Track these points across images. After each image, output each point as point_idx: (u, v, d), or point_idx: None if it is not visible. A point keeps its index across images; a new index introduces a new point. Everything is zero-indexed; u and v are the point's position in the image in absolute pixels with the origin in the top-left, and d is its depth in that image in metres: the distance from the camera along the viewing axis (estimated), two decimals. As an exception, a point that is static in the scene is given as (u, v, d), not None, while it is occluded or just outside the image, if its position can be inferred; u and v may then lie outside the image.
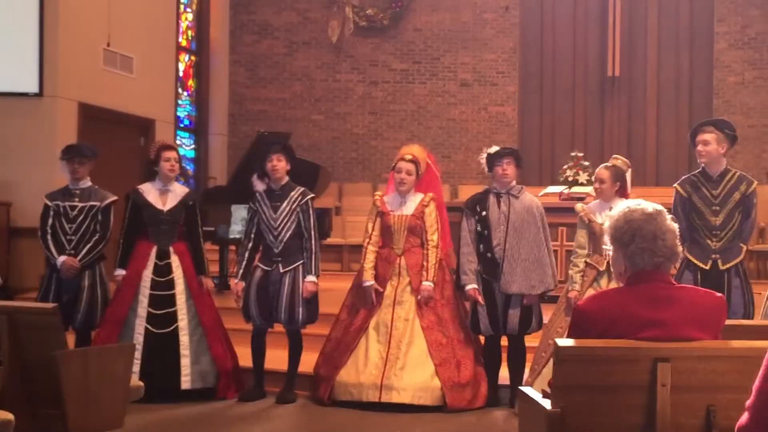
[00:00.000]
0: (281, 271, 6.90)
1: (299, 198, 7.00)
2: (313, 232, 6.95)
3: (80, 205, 7.10)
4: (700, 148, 6.36)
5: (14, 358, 4.41)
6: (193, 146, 15.84)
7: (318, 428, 6.33)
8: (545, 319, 6.86)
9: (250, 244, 7.04)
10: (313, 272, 6.92)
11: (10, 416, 4.01)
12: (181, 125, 15.42)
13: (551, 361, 6.28)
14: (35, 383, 4.47)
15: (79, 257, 7.00)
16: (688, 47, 16.06)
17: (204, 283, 7.13)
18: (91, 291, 7.06)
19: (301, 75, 16.26)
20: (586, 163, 12.40)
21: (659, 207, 3.28)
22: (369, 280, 6.92)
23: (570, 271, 6.66)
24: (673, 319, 3.12)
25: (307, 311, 6.94)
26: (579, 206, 6.83)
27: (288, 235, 6.94)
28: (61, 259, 6.97)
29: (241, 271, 7.01)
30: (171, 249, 7.06)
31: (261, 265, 6.98)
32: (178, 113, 15.16)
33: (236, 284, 7.02)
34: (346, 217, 14.63)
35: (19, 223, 10.74)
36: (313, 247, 6.94)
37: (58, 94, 11.32)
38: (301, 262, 6.94)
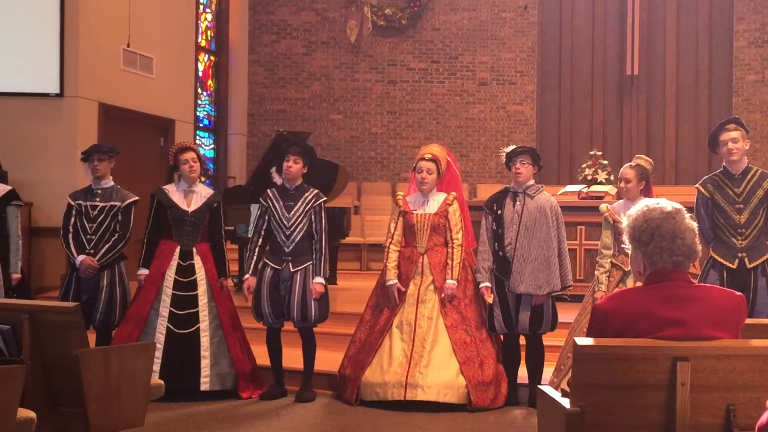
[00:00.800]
0: (291, 270, 6.94)
1: (313, 200, 7.03)
2: (323, 234, 7.00)
3: (101, 204, 7.13)
4: (731, 146, 6.31)
5: (36, 356, 4.44)
6: (212, 146, 15.89)
7: (337, 426, 6.33)
8: (570, 319, 6.84)
9: (260, 241, 7.06)
10: (322, 273, 6.95)
11: (32, 414, 4.04)
12: (201, 125, 15.47)
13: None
14: (56, 381, 4.50)
15: (98, 257, 7.03)
16: (707, 45, 16.00)
17: (224, 286, 7.15)
18: (109, 290, 7.08)
19: (319, 75, 16.29)
20: (605, 162, 12.38)
21: (678, 206, 3.28)
22: (392, 280, 6.93)
23: (596, 272, 6.64)
24: (692, 318, 3.12)
25: (319, 309, 6.98)
26: (604, 206, 6.80)
27: (300, 235, 6.97)
28: (80, 258, 7.01)
29: (252, 266, 7.03)
30: (194, 250, 7.09)
31: (270, 263, 7.01)
32: (198, 113, 15.21)
33: (247, 279, 7.02)
34: (365, 217, 14.65)
35: (40, 223, 10.81)
36: (323, 248, 6.98)
37: (78, 95, 11.38)
38: (311, 262, 6.98)
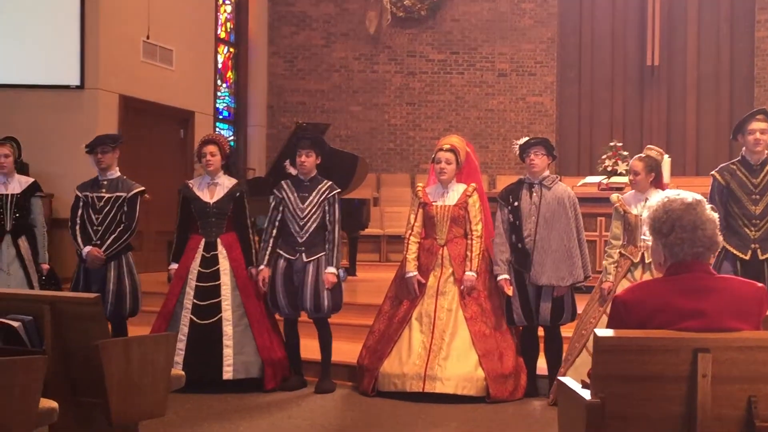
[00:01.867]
0: (305, 260, 6.96)
1: (327, 191, 7.06)
2: (336, 225, 7.02)
3: (107, 195, 7.12)
4: (759, 136, 6.27)
5: (57, 347, 4.46)
6: (232, 138, 15.92)
7: (356, 417, 6.35)
8: (579, 310, 6.83)
9: (275, 232, 7.09)
10: (334, 264, 6.98)
11: (54, 404, 4.06)
12: (220, 117, 15.51)
13: (584, 351, 6.31)
14: (78, 372, 4.52)
15: (104, 248, 7.03)
16: (728, 35, 15.89)
17: (253, 275, 7.14)
18: (118, 281, 7.08)
19: (339, 66, 16.29)
20: (625, 153, 12.31)
21: (699, 197, 3.26)
22: (412, 271, 6.92)
23: (604, 262, 6.63)
24: (713, 310, 3.11)
25: (332, 300, 6.99)
26: (614, 197, 6.79)
27: (314, 226, 6.99)
28: (86, 249, 7.02)
29: (266, 257, 7.05)
30: (219, 241, 7.09)
31: (283, 254, 7.02)
32: (217, 105, 15.25)
33: (261, 270, 7.03)
34: (384, 208, 14.66)
35: (61, 214, 10.85)
36: (336, 239, 7.01)
37: (99, 87, 11.43)
38: (324, 253, 7.00)
